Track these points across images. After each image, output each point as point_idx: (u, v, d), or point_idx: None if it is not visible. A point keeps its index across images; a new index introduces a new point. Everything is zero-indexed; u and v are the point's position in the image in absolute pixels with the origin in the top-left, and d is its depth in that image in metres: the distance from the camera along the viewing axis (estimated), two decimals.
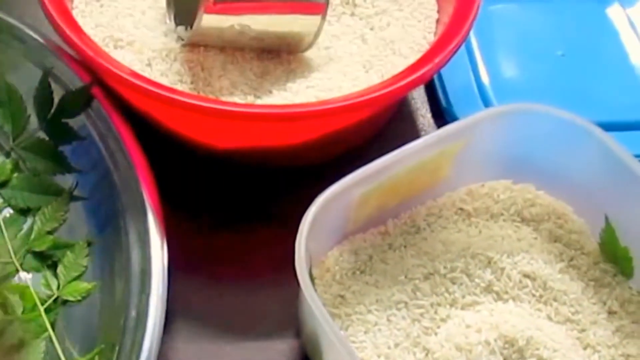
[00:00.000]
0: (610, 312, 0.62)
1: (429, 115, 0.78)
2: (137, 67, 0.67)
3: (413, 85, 0.64)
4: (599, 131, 0.62)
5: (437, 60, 0.64)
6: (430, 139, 0.60)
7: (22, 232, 0.63)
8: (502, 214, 0.66)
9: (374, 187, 0.59)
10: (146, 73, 0.67)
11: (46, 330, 0.57)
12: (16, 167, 0.65)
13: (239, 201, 0.71)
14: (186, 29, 0.69)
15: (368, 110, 0.66)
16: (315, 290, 0.55)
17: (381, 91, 0.62)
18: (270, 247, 0.62)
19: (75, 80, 0.66)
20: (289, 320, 0.62)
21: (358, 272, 0.62)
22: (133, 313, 0.55)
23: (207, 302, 0.65)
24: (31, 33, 0.69)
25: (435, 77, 0.79)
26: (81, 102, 0.65)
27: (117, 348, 0.53)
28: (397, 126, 0.76)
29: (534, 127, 0.64)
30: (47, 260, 0.61)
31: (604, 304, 0.62)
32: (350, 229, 0.63)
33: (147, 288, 0.55)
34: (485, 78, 0.78)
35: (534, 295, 0.61)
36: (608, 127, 0.64)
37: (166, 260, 0.57)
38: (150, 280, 0.55)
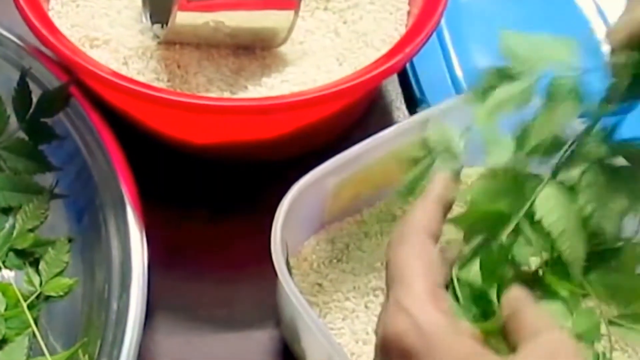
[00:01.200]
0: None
1: (403, 106, 0.79)
2: (114, 66, 0.68)
3: (384, 75, 0.65)
4: None
5: (407, 50, 0.65)
6: (401, 128, 0.61)
7: (4, 230, 0.64)
8: None
9: (347, 176, 0.60)
10: (123, 72, 0.68)
11: (29, 326, 0.58)
12: None
13: (217, 194, 0.72)
14: (162, 27, 0.70)
15: (342, 101, 0.67)
16: (293, 278, 0.56)
17: (353, 81, 0.63)
18: (248, 239, 0.63)
19: (53, 80, 0.67)
20: (268, 310, 0.63)
21: (335, 261, 0.63)
22: (114, 306, 0.55)
23: (187, 294, 0.66)
24: (8, 35, 0.69)
25: (409, 69, 0.80)
26: (59, 101, 0.66)
27: (99, 341, 0.54)
28: (373, 118, 0.77)
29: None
30: (29, 257, 0.62)
31: None
32: (326, 218, 0.64)
33: (127, 281, 0.56)
34: (458, 69, 0.79)
35: None
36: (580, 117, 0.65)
37: (146, 253, 0.58)
38: (130, 274, 0.57)
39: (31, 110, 0.66)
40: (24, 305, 0.59)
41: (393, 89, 0.81)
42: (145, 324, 0.55)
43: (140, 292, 0.56)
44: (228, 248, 0.69)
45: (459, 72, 0.79)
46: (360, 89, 0.65)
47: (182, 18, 0.66)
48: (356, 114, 0.74)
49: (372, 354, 0.56)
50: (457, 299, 0.45)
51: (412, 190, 0.51)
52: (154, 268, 0.58)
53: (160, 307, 0.64)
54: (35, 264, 0.62)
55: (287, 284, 0.53)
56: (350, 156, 0.60)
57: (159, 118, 0.67)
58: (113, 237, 0.59)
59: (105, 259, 0.58)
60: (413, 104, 0.79)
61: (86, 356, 0.55)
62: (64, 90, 0.65)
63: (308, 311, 0.52)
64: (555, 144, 0.47)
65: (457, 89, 0.78)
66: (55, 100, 0.66)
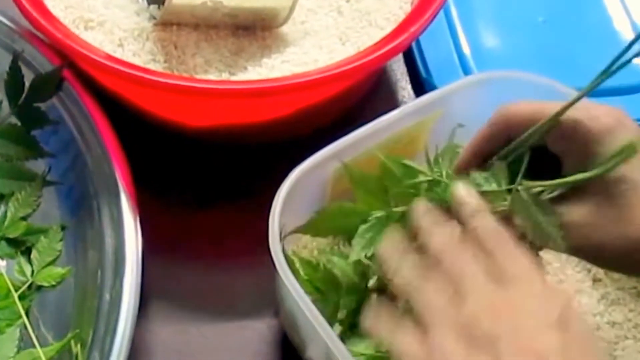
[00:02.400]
0: (595, 280, 0.61)
1: (409, 87, 0.77)
2: (109, 48, 0.66)
3: (388, 56, 0.62)
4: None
5: (412, 29, 0.63)
6: (405, 111, 0.59)
7: None
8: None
9: (349, 161, 0.58)
10: (118, 54, 0.66)
11: (20, 317, 0.57)
12: None
13: (214, 180, 0.70)
14: (158, 7, 0.68)
15: (344, 83, 0.64)
16: (291, 267, 0.54)
17: (356, 63, 0.61)
18: (247, 226, 0.61)
19: (46, 64, 0.65)
20: (267, 299, 0.61)
21: (336, 248, 0.61)
22: (107, 296, 0.54)
23: (184, 283, 0.64)
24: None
25: (415, 47, 0.78)
26: (52, 85, 0.64)
27: (91, 332, 0.53)
28: (377, 99, 0.75)
29: (512, 94, 0.62)
30: (21, 246, 0.61)
31: (589, 271, 0.61)
32: (327, 204, 0.62)
33: (121, 270, 0.54)
34: (465, 47, 0.77)
35: None
36: (592, 93, 0.63)
37: (140, 241, 0.56)
38: (124, 263, 0.55)
39: (24, 95, 0.64)
40: (15, 295, 0.57)
41: (398, 69, 0.78)
42: (139, 313, 0.53)
43: (134, 281, 0.54)
44: (226, 235, 0.67)
45: (466, 51, 0.77)
46: (364, 70, 0.63)
47: None
48: (359, 94, 0.72)
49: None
50: None
51: None
52: (150, 256, 0.57)
53: (155, 296, 0.62)
54: (27, 252, 0.60)
55: (285, 275, 0.51)
56: (351, 140, 0.57)
57: (154, 101, 0.66)
58: (106, 225, 0.57)
59: (98, 247, 0.56)
60: (419, 84, 0.77)
61: (78, 346, 0.54)
62: (56, 74, 0.64)
63: (306, 303, 0.50)
64: None
65: (465, 68, 0.76)
66: (48, 85, 0.64)
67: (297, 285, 0.51)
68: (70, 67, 0.64)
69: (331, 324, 0.51)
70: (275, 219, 0.53)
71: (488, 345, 0.41)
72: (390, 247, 0.50)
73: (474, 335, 0.42)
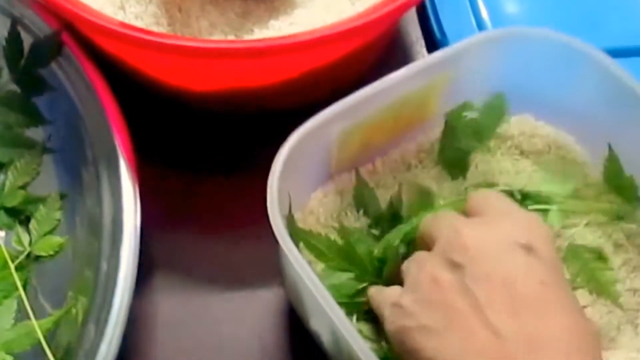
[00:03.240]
0: (616, 246, 0.58)
1: (424, 50, 0.74)
2: (109, 10, 0.64)
3: (399, 11, 0.59)
4: (599, 54, 0.58)
5: None
6: (413, 68, 0.56)
7: None
8: (499, 147, 0.62)
9: (355, 123, 0.56)
10: (119, 16, 0.64)
11: (18, 289, 0.55)
12: None
13: (218, 149, 0.68)
14: None
15: (352, 42, 0.62)
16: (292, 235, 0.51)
17: (364, 19, 0.58)
18: (252, 195, 0.58)
19: (45, 28, 0.63)
20: (273, 268, 0.58)
21: (344, 214, 0.59)
22: (104, 266, 0.52)
23: (187, 254, 0.62)
24: None
25: (430, 8, 0.75)
26: (51, 50, 0.62)
27: (88, 302, 0.51)
28: (390, 63, 0.71)
29: (529, 52, 0.59)
30: (19, 215, 0.59)
31: (609, 236, 0.58)
32: (334, 169, 0.59)
33: (118, 240, 0.52)
34: (482, 10, 0.74)
35: None
36: (616, 53, 0.60)
37: (139, 211, 0.54)
38: (121, 232, 0.53)
39: (23, 61, 0.62)
40: (12, 267, 0.56)
41: (413, 31, 0.75)
42: (142, 285, 0.52)
43: (132, 252, 0.52)
44: (231, 204, 0.65)
45: (483, 13, 0.74)
46: (373, 28, 0.60)
47: None
48: (371, 58, 0.69)
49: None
50: None
51: None
52: (152, 226, 0.55)
53: (159, 267, 0.61)
54: (25, 222, 0.59)
55: (285, 243, 0.48)
56: (357, 100, 0.54)
57: (156, 65, 0.63)
58: (105, 193, 0.55)
59: (97, 215, 0.54)
60: (434, 47, 0.74)
61: (78, 307, 0.52)
62: (55, 38, 0.61)
63: (309, 274, 0.47)
64: None
65: (482, 28, 0.73)
66: (47, 49, 0.62)
67: (298, 254, 0.48)
68: (70, 32, 0.62)
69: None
70: (274, 184, 0.50)
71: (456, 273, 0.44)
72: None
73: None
